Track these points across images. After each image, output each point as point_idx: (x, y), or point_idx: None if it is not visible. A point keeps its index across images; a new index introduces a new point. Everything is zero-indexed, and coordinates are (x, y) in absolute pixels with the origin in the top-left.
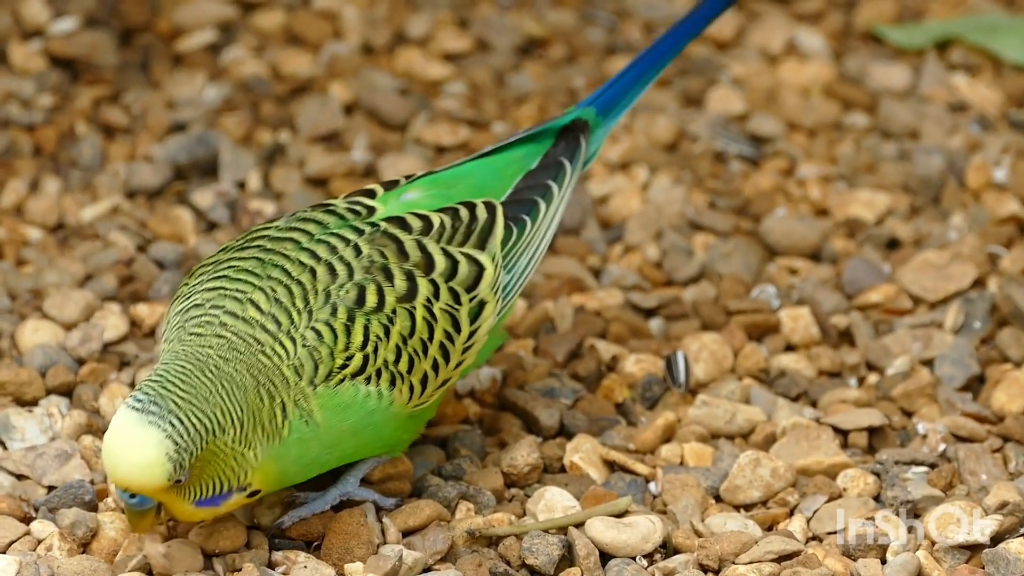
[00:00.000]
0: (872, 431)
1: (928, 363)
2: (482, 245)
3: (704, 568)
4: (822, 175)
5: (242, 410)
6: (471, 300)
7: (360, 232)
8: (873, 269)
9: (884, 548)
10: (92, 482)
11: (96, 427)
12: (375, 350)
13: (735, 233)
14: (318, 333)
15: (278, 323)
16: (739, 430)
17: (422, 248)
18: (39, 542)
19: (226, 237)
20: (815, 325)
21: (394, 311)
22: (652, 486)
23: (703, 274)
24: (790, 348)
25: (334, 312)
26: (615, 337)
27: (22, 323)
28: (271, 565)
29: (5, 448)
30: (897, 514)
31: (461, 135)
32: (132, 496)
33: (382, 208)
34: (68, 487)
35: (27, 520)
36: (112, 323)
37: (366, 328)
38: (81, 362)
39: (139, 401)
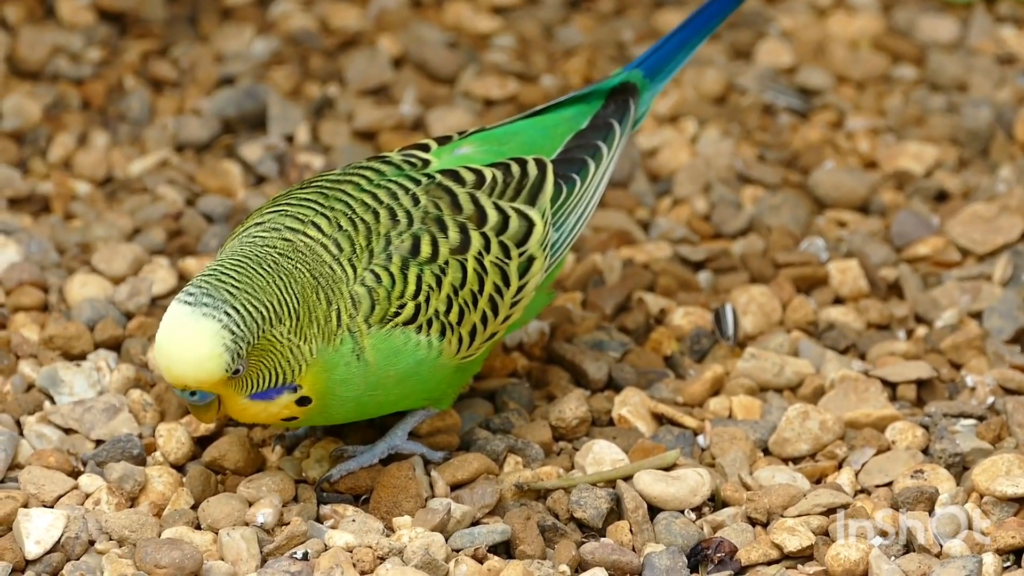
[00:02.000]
0: (920, 384)
1: (976, 315)
2: (532, 201)
3: (752, 521)
4: (870, 128)
5: (299, 303)
6: (521, 255)
7: (417, 182)
8: (922, 221)
9: (932, 501)
10: (140, 436)
11: (144, 381)
12: (427, 299)
13: (784, 186)
14: (376, 275)
15: (340, 247)
16: (787, 383)
17: (475, 201)
18: (87, 496)
19: (274, 190)
20: (864, 278)
21: (447, 262)
22: (700, 439)
23: (752, 227)
24: (839, 301)
25: (390, 258)
26: (663, 290)
27: (70, 277)
28: (319, 519)
29: (53, 402)
30: (946, 467)
31: (509, 88)
32: (192, 393)
33: (436, 161)
34: (116, 441)
35: (75, 474)
36: (160, 277)
37: (419, 278)
38: (129, 316)
39: (191, 295)
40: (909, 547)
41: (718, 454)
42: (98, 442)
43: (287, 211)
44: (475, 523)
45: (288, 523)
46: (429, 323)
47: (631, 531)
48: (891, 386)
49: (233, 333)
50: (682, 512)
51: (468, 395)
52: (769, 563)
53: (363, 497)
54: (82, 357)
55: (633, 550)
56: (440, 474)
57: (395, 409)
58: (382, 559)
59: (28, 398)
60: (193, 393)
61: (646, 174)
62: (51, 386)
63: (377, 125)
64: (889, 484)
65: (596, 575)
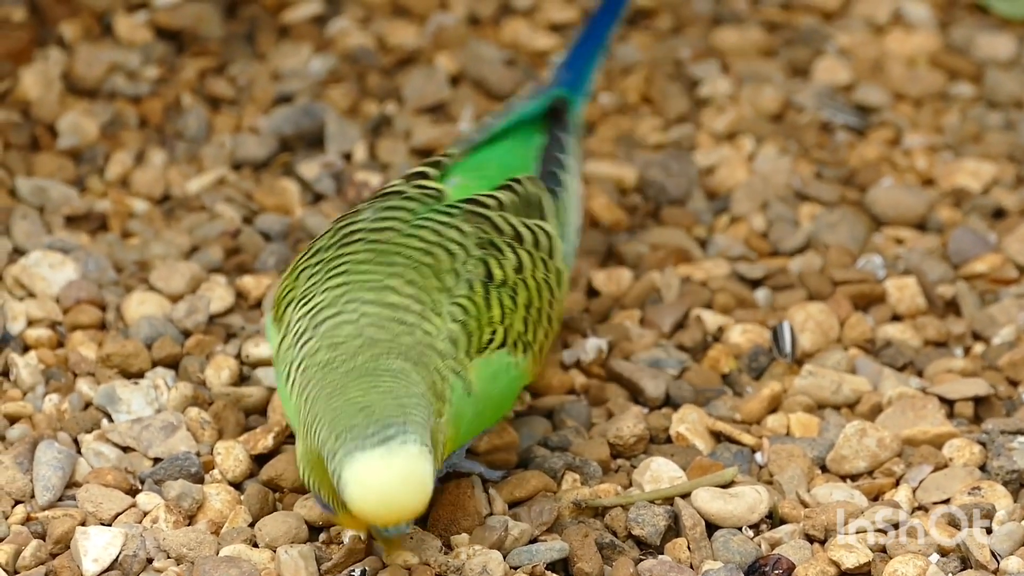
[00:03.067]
0: (978, 401)
1: None
2: (542, 216)
3: (810, 538)
4: (928, 145)
5: (427, 389)
6: (552, 269)
7: (449, 214)
8: (979, 239)
9: (990, 518)
10: (198, 454)
11: (202, 399)
12: (510, 322)
13: (841, 203)
14: (462, 307)
15: (421, 303)
16: (845, 400)
17: (508, 222)
18: (145, 514)
19: (332, 208)
20: (921, 295)
21: (515, 283)
22: (758, 456)
23: (809, 244)
24: (896, 318)
25: (471, 287)
26: (721, 307)
27: (128, 295)
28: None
29: (111, 420)
30: (1003, 483)
31: None
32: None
33: (448, 191)
34: (174, 459)
35: (133, 492)
36: (218, 295)
37: (500, 301)
38: (187, 334)
39: (373, 434)
40: (966, 564)
41: (776, 471)
42: (156, 460)
43: (355, 283)
44: (532, 540)
45: (343, 541)
46: (515, 343)
47: (689, 548)
48: (948, 403)
49: (426, 445)
50: (740, 529)
51: (526, 413)
52: None
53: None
54: (140, 375)
55: (691, 567)
56: (498, 492)
57: (481, 429)
58: None
59: (86, 416)
60: (388, 529)
61: (703, 192)
62: (109, 404)
63: (435, 143)
64: (947, 501)
65: None
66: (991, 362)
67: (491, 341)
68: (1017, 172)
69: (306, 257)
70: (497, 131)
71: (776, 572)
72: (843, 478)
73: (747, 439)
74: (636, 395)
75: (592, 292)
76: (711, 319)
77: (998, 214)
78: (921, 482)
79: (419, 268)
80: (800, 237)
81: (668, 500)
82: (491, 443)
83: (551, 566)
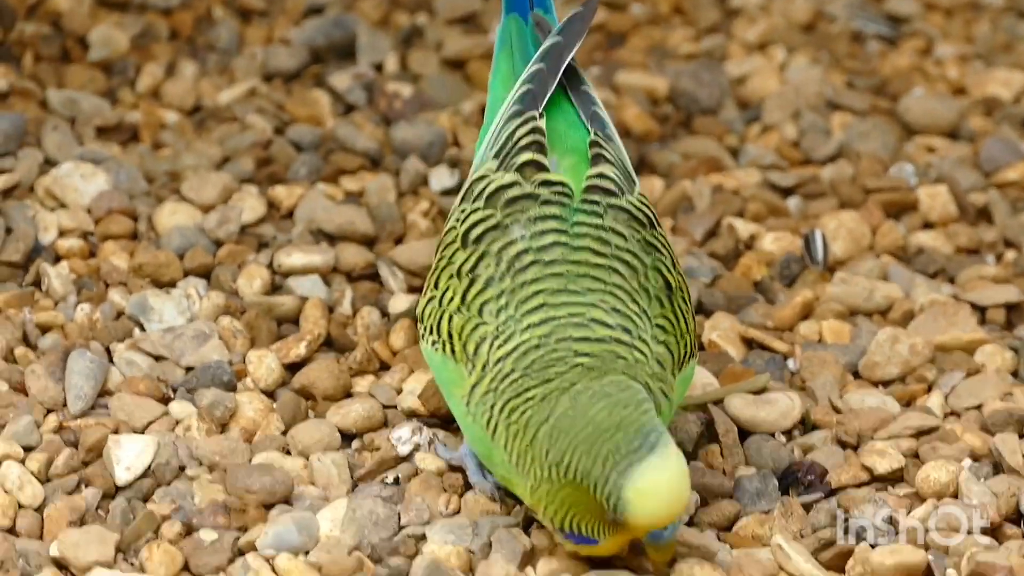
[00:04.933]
0: (1010, 307)
1: None
2: (628, 173)
3: (843, 444)
4: (959, 54)
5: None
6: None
7: (597, 214)
8: (1010, 147)
9: (1022, 423)
10: (230, 363)
11: (234, 308)
12: (691, 326)
13: (873, 112)
14: (663, 328)
15: (628, 331)
16: (877, 307)
17: (639, 209)
18: (177, 422)
19: (363, 119)
20: (953, 203)
21: (679, 283)
22: (790, 363)
23: (841, 153)
24: (928, 226)
25: (661, 304)
26: (753, 216)
27: (160, 205)
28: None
29: (143, 330)
30: None
31: (598, 16)
32: (671, 528)
33: (570, 181)
34: (206, 368)
35: (165, 401)
36: (250, 205)
37: (681, 309)
38: (219, 244)
39: (654, 445)
40: (999, 469)
41: (808, 378)
42: (188, 369)
43: (557, 317)
44: None
45: (379, 448)
46: (695, 345)
47: (722, 455)
48: (980, 310)
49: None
50: (773, 436)
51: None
52: (859, 485)
53: (454, 423)
54: (172, 285)
55: (724, 473)
56: None
57: None
58: (471, 485)
59: (118, 326)
60: (667, 529)
61: (735, 101)
62: (141, 313)
63: (466, 54)
64: (979, 407)
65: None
66: (1023, 269)
67: (687, 354)
68: None
69: (474, 287)
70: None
71: (809, 478)
72: (875, 384)
73: (779, 346)
74: None
75: None
76: (743, 227)
77: None
78: (953, 388)
79: (614, 292)
80: (832, 146)
81: (701, 407)
82: None
83: None
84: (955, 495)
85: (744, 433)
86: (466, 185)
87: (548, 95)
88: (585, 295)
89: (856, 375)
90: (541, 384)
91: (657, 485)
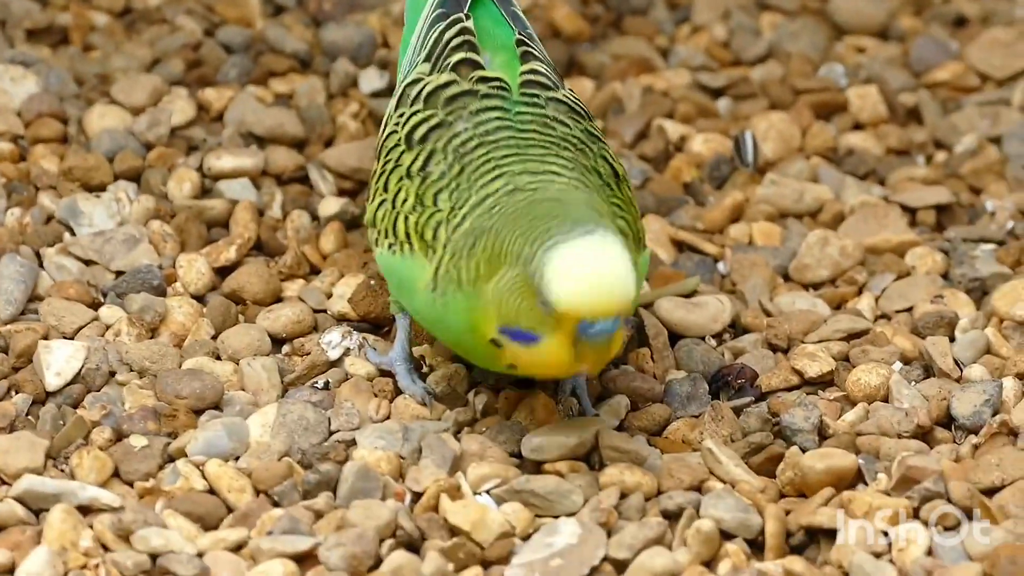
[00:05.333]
0: (940, 209)
1: (996, 140)
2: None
3: (773, 347)
4: None
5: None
6: None
7: (539, 106)
8: (941, 47)
9: (952, 326)
10: (160, 267)
11: (164, 212)
12: (638, 215)
13: (803, 12)
14: (618, 206)
15: (588, 188)
16: (807, 209)
17: (575, 102)
18: (107, 327)
19: (292, 20)
20: (883, 103)
21: (623, 173)
22: (721, 266)
23: (771, 53)
24: (858, 126)
25: (610, 188)
26: (683, 117)
27: (89, 108)
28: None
29: (73, 234)
30: (966, 291)
31: None
32: (614, 321)
33: (505, 76)
34: (136, 272)
35: (95, 305)
36: (179, 107)
37: (631, 197)
38: (149, 147)
39: (585, 227)
40: (929, 372)
41: (739, 280)
42: (118, 273)
43: (512, 172)
44: None
45: (309, 353)
46: (643, 239)
47: (652, 359)
48: (911, 211)
49: (625, 248)
50: (703, 339)
51: None
52: (789, 389)
53: (384, 327)
54: (102, 188)
55: (654, 377)
56: None
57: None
58: (401, 390)
59: (47, 230)
60: (595, 324)
61: (665, 2)
62: (71, 217)
63: None
64: (909, 309)
65: (618, 402)
66: (953, 170)
67: (640, 241)
68: None
69: (427, 183)
70: None
71: (739, 381)
72: (805, 287)
73: (710, 248)
74: None
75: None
76: (673, 129)
77: (959, 22)
78: (884, 290)
79: (566, 165)
80: (761, 46)
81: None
82: None
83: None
84: (886, 399)
85: (675, 336)
86: (398, 90)
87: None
88: (538, 161)
89: (786, 278)
90: (490, 209)
91: (581, 264)
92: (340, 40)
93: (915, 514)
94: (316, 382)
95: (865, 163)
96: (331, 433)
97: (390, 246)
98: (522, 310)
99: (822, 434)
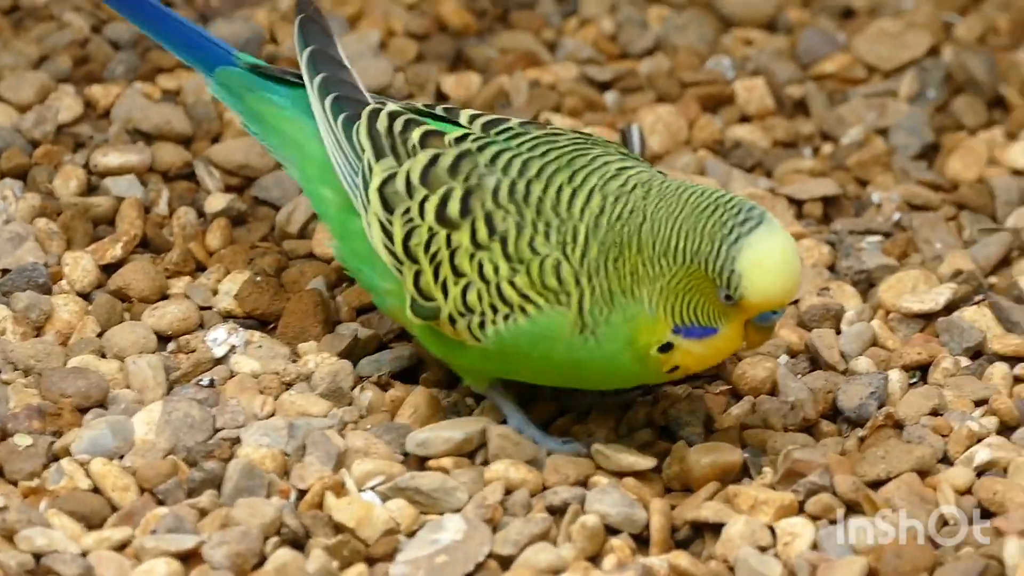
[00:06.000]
0: (827, 201)
1: (883, 132)
2: None
3: None
4: None
5: None
6: None
7: (523, 131)
8: (828, 38)
9: (839, 318)
10: (46, 265)
11: (50, 209)
12: None
13: (690, 5)
14: None
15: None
16: None
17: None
18: None
19: (184, 14)
20: (770, 95)
21: None
22: None
23: (658, 46)
24: (745, 119)
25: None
26: (570, 110)
27: None
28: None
29: None
30: (852, 284)
31: None
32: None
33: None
34: (22, 270)
35: None
36: (67, 104)
37: None
38: (35, 144)
39: (765, 216)
40: (816, 364)
41: None
42: (4, 271)
43: (592, 180)
44: (381, 347)
45: (195, 350)
46: None
47: None
48: (797, 203)
49: None
50: None
51: None
52: (676, 383)
53: (271, 324)
54: None
55: None
56: (346, 299)
57: None
58: (288, 385)
59: None
60: (777, 311)
61: None
62: None
63: None
64: (795, 302)
65: None
66: (840, 162)
67: None
68: None
69: (510, 242)
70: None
71: None
72: None
73: None
74: None
75: (441, 96)
76: (560, 122)
77: (847, 14)
78: None
79: (603, 150)
80: (649, 39)
81: None
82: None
83: (399, 375)
84: (772, 392)
85: None
86: (374, 201)
87: (361, 88)
88: (600, 166)
89: None
90: (619, 217)
91: (771, 256)
92: (227, 35)
93: (800, 508)
94: (201, 379)
95: (752, 155)
96: (216, 431)
97: (506, 318)
98: (700, 306)
99: (708, 428)
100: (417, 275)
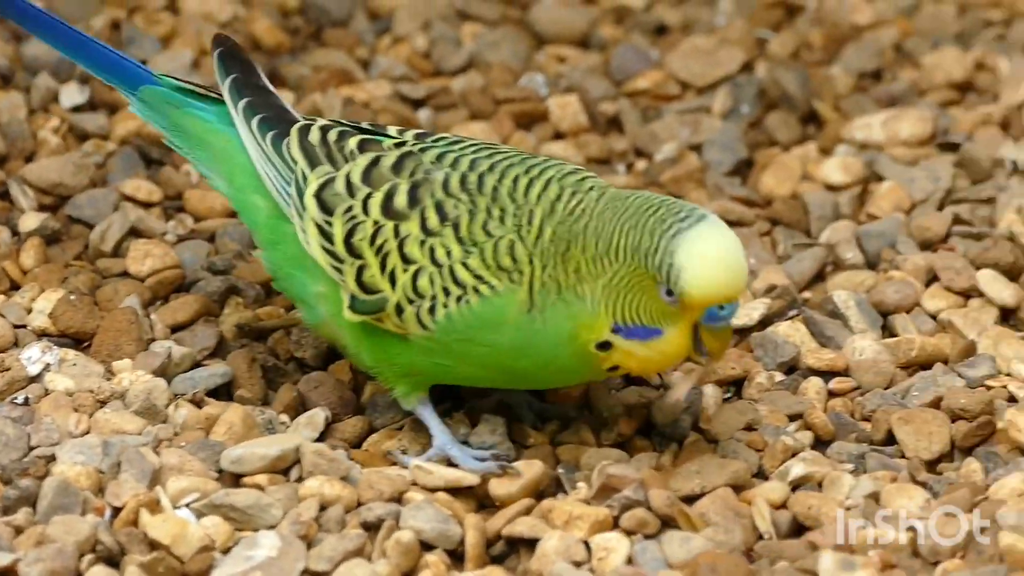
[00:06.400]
0: None
1: (696, 148)
2: None
3: None
4: None
5: None
6: None
7: (455, 140)
8: (641, 55)
9: None
10: None
11: None
12: None
13: (503, 22)
14: None
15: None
16: None
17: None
18: None
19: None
20: (583, 112)
21: None
22: None
23: (471, 63)
24: (559, 136)
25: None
26: None
27: None
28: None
29: None
30: None
31: None
32: (725, 308)
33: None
34: None
35: None
36: None
37: None
38: None
39: (702, 216)
40: (630, 380)
41: None
42: None
43: (548, 172)
44: (196, 365)
45: (9, 368)
46: None
47: (352, 369)
48: None
49: None
50: None
51: (188, 236)
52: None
53: (85, 342)
54: None
55: (354, 389)
56: (160, 317)
57: None
58: (103, 403)
59: None
60: (724, 308)
61: (366, 12)
62: None
63: None
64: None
65: (318, 414)
66: (654, 178)
67: None
68: None
69: (462, 227)
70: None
71: None
72: None
73: None
74: None
75: None
76: None
77: (660, 31)
78: None
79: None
80: (462, 56)
81: None
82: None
83: (213, 392)
84: (586, 407)
85: None
86: (311, 206)
87: (289, 108)
88: (553, 166)
89: None
90: (572, 212)
91: (710, 249)
92: (41, 55)
93: (615, 523)
94: (16, 397)
95: None
96: (31, 449)
97: (459, 299)
98: (642, 305)
99: (523, 444)
100: (360, 270)
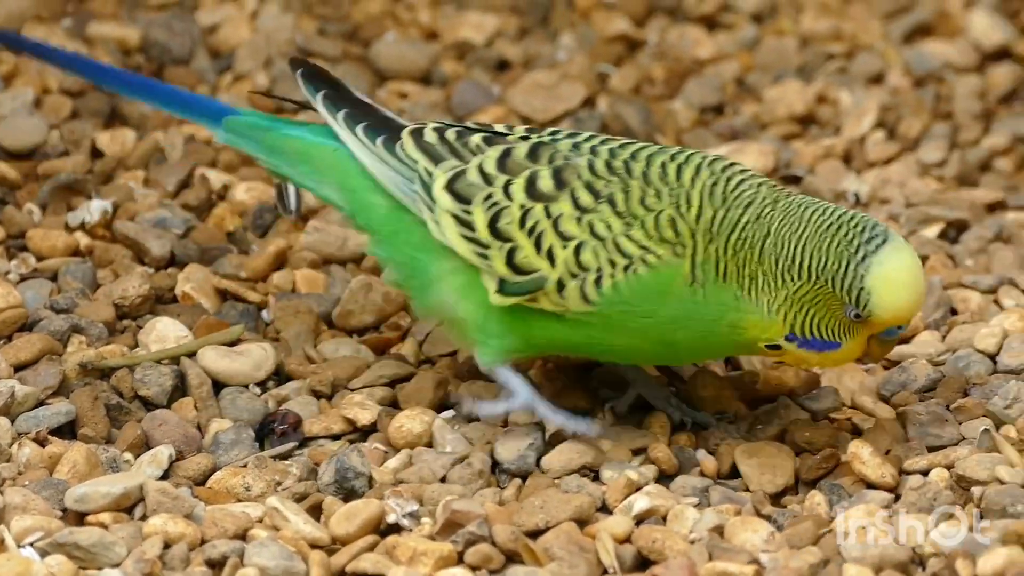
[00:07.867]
0: None
1: None
2: None
3: (317, 394)
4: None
5: None
6: None
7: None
8: (482, 91)
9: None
10: None
11: None
12: None
13: (345, 58)
14: None
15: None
16: (351, 255)
17: None
18: None
19: None
20: None
21: None
22: (264, 314)
23: None
24: None
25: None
26: (226, 166)
27: None
28: None
29: None
30: None
31: None
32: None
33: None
34: None
35: None
36: None
37: None
38: None
39: (887, 236)
40: (472, 418)
41: (282, 328)
42: None
43: (695, 159)
44: (39, 404)
45: None
46: None
47: (196, 407)
48: None
49: None
50: (247, 387)
51: (31, 275)
52: (333, 437)
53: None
54: None
55: (199, 427)
56: (3, 355)
57: None
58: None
59: None
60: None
61: (207, 50)
62: None
63: None
64: (452, 354)
65: (162, 452)
66: None
67: None
68: (520, 24)
69: (618, 203)
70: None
71: (282, 427)
72: (350, 333)
73: (253, 296)
74: (141, 256)
75: (96, 153)
76: (216, 177)
77: (501, 66)
78: (428, 334)
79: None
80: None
81: (175, 360)
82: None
83: (57, 431)
84: (430, 444)
85: (218, 385)
86: (443, 199)
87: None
88: (696, 153)
89: (331, 324)
90: (743, 208)
91: (900, 273)
92: None
93: (460, 558)
94: None
95: None
96: None
97: (626, 268)
98: (824, 321)
99: (370, 482)
100: (511, 253)
